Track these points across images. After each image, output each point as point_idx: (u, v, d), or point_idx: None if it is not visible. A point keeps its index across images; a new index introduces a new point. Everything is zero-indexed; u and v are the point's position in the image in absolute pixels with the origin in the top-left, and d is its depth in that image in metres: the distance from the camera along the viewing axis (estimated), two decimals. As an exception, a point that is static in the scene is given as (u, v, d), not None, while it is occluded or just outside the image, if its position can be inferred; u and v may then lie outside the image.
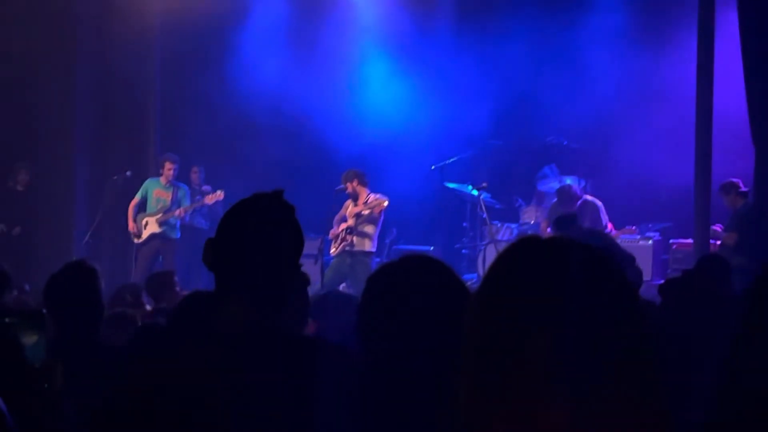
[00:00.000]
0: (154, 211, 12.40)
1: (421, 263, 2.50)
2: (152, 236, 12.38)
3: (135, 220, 12.39)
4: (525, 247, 1.50)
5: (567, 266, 1.45)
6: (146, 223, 12.37)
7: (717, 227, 11.11)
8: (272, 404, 2.37)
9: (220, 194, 12.58)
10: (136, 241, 12.45)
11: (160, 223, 12.41)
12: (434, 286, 2.42)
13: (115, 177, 12.70)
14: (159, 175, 12.59)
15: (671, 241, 12.47)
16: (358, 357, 2.49)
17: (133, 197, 12.58)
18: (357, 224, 11.53)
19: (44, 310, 3.90)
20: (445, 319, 2.29)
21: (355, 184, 11.58)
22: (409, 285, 2.42)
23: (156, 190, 12.49)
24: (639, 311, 1.45)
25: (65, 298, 4.52)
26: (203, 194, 12.95)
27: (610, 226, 12.01)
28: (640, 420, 1.41)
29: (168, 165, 12.49)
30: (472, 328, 1.49)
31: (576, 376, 1.39)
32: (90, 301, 4.59)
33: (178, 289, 7.21)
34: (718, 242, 11.06)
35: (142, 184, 12.57)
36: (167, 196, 12.49)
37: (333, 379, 2.42)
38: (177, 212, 12.51)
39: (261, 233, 2.51)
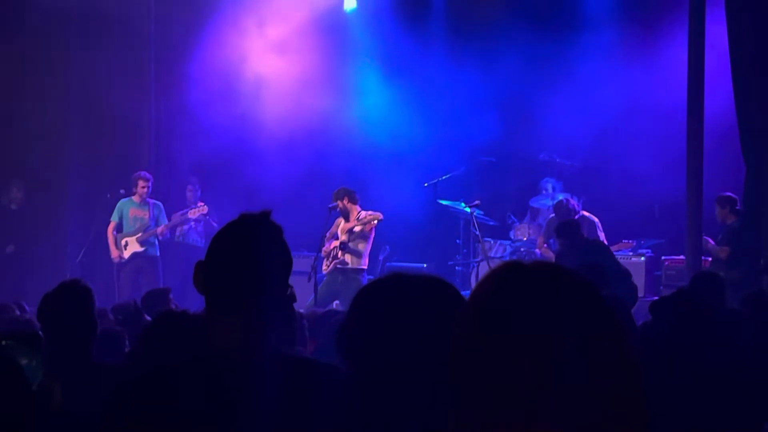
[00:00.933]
0: (133, 230, 12.43)
1: (419, 283, 2.40)
2: (134, 255, 12.39)
3: (117, 245, 12.42)
4: (506, 273, 1.51)
5: (550, 293, 1.47)
6: (126, 243, 12.40)
7: (707, 239, 11.14)
8: (265, 424, 2.39)
9: (203, 207, 12.64)
10: (117, 261, 12.47)
11: (141, 242, 12.43)
12: (428, 305, 2.34)
13: (109, 195, 12.69)
14: (132, 194, 12.60)
15: (663, 257, 12.51)
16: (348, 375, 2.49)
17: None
18: (350, 240, 11.55)
19: (40, 332, 3.91)
20: (435, 338, 2.29)
21: (345, 201, 11.60)
22: (402, 303, 2.35)
23: (132, 209, 12.52)
24: (625, 339, 1.47)
25: (59, 317, 4.52)
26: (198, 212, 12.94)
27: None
28: None
29: (141, 183, 12.52)
30: (456, 355, 1.51)
31: (562, 403, 1.41)
32: (84, 320, 4.59)
33: (173, 306, 7.21)
34: (710, 258, 11.10)
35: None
36: (144, 215, 12.51)
37: (324, 399, 2.44)
38: (159, 230, 12.53)
39: (248, 254, 2.52)
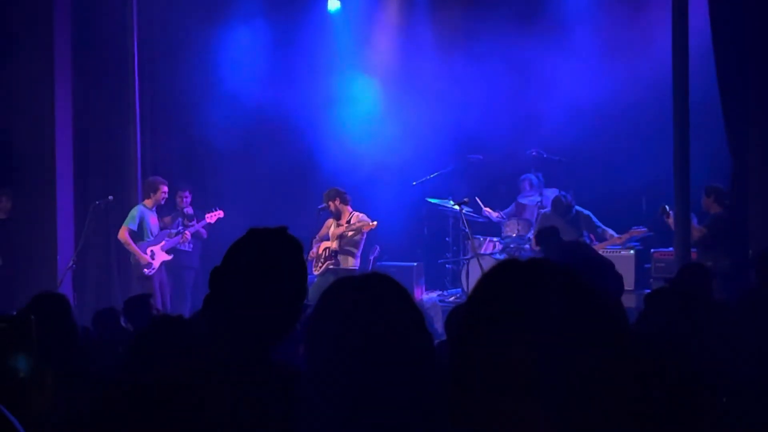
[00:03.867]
0: (154, 239, 12.17)
1: (365, 283, 2.50)
2: (162, 264, 12.19)
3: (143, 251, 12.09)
4: (505, 270, 1.55)
5: (546, 288, 1.50)
6: (152, 253, 12.09)
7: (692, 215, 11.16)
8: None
9: (220, 212, 12.48)
10: (147, 272, 12.05)
11: (168, 251, 12.27)
12: (380, 307, 2.42)
13: (98, 202, 12.64)
14: (147, 198, 12.29)
15: (652, 250, 12.55)
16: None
17: (115, 222, 12.56)
18: (342, 245, 11.57)
19: (33, 317, 3.88)
20: (390, 339, 2.34)
21: (337, 202, 11.63)
22: (351, 305, 2.43)
23: (152, 218, 12.23)
24: (616, 328, 1.50)
25: (37, 330, 4.49)
26: (186, 217, 12.87)
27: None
28: None
29: (164, 188, 12.24)
30: (459, 348, 1.54)
31: (558, 394, 1.44)
32: (63, 329, 4.56)
33: (155, 312, 7.21)
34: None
35: (132, 211, 12.24)
36: (157, 222, 12.32)
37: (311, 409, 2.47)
38: (186, 236, 12.39)
39: (267, 271, 2.58)
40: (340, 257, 11.61)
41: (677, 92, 10.30)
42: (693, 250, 10.93)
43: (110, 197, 12.63)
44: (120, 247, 12.56)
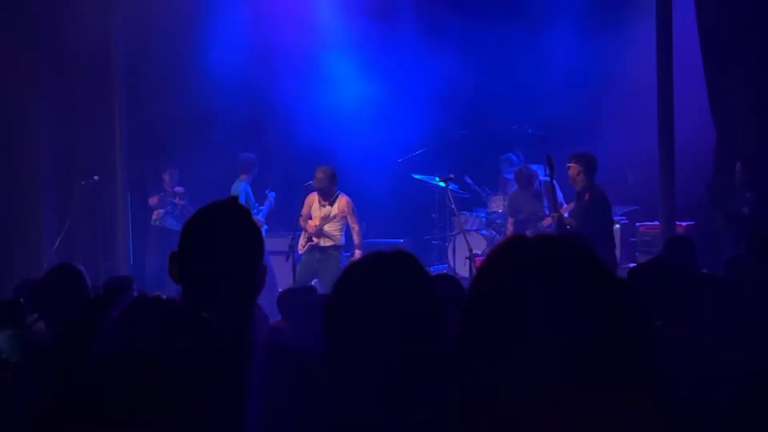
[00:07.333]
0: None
1: (390, 261, 2.47)
2: None
3: None
4: (514, 246, 1.54)
5: (558, 263, 1.49)
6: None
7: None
8: (240, 408, 2.43)
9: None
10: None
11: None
12: (403, 286, 2.40)
13: (83, 182, 12.57)
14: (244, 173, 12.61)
15: (638, 224, 12.58)
16: (315, 358, 2.52)
17: (101, 202, 12.59)
18: (326, 224, 11.52)
19: (21, 299, 3.86)
20: (413, 319, 2.33)
21: (330, 181, 11.52)
22: (377, 284, 2.40)
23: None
24: (627, 305, 1.49)
25: (54, 302, 4.47)
26: (178, 195, 12.85)
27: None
28: (632, 417, 1.45)
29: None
30: (467, 325, 1.53)
31: (567, 375, 1.44)
32: (80, 302, 4.55)
33: (136, 293, 7.19)
34: (683, 224, 11.18)
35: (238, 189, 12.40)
36: None
37: (297, 383, 2.47)
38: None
39: (216, 243, 2.57)
40: (325, 232, 11.56)
41: (662, 67, 10.34)
42: (678, 223, 10.99)
43: (95, 177, 12.57)
44: (108, 228, 12.61)
